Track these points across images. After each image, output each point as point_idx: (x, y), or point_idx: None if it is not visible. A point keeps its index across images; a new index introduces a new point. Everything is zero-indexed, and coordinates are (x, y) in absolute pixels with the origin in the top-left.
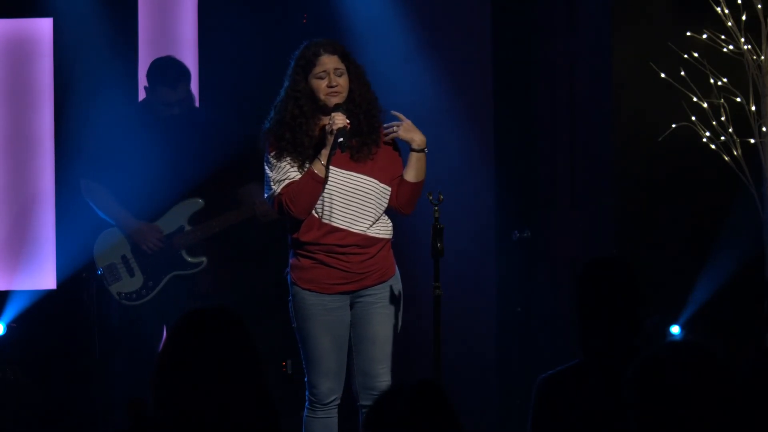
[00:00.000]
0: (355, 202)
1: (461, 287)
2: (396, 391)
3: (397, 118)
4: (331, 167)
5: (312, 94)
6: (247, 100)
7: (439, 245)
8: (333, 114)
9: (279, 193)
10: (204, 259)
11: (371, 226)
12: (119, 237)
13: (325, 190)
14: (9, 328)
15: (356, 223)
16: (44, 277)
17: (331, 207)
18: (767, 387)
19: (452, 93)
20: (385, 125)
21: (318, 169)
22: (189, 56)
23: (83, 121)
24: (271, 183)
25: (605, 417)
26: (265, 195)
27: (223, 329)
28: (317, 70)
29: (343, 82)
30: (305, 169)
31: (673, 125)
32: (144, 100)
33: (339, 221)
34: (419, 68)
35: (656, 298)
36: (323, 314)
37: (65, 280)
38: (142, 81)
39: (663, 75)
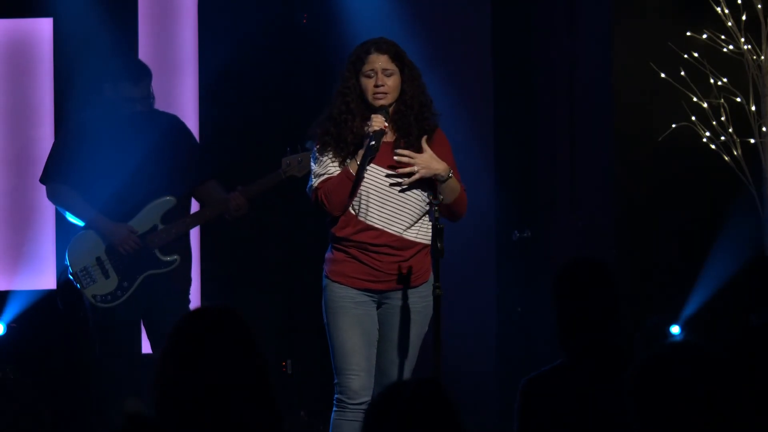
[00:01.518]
0: (393, 203)
1: (461, 287)
2: (397, 388)
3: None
4: (373, 166)
5: (360, 93)
6: (246, 100)
7: (439, 245)
8: (372, 116)
9: (316, 187)
10: (177, 257)
11: (408, 228)
12: (93, 239)
13: (364, 189)
14: (9, 328)
15: (392, 223)
16: (44, 277)
17: (368, 205)
18: (752, 365)
19: (452, 93)
20: (400, 170)
21: (353, 168)
22: (189, 56)
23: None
24: (313, 176)
25: (589, 416)
26: (307, 186)
27: (225, 329)
28: (366, 68)
29: (391, 83)
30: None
31: (673, 125)
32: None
33: (375, 220)
34: (419, 68)
35: (656, 298)
36: (353, 307)
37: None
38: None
39: (663, 75)
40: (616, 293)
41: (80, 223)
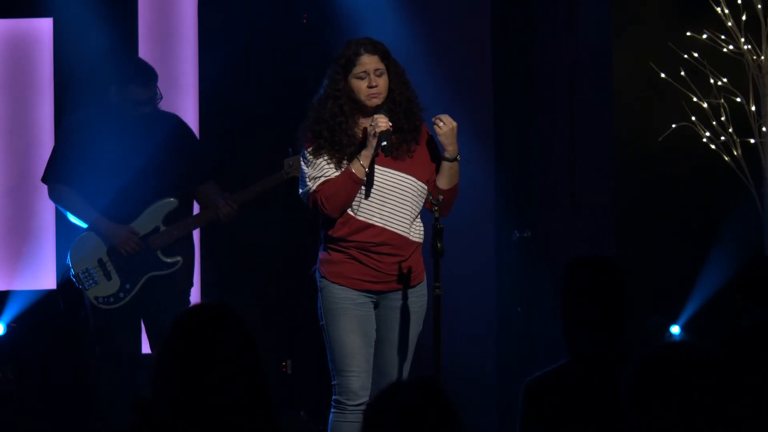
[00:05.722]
0: (392, 200)
1: (461, 287)
2: (395, 388)
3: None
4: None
5: (351, 94)
6: (246, 99)
7: (439, 245)
8: (375, 116)
9: (314, 191)
10: (179, 258)
11: (407, 226)
12: (95, 241)
13: (363, 187)
14: (9, 328)
15: (392, 221)
16: (44, 277)
17: (368, 204)
18: (744, 369)
19: (452, 93)
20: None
21: (356, 169)
22: (189, 56)
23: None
24: (307, 179)
25: (593, 417)
26: (300, 191)
27: (222, 326)
28: (357, 70)
29: (383, 82)
30: (342, 167)
31: (673, 125)
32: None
33: (375, 218)
34: (419, 68)
35: (656, 298)
36: (353, 308)
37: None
38: None
39: (663, 75)
40: (625, 292)
41: (82, 224)
